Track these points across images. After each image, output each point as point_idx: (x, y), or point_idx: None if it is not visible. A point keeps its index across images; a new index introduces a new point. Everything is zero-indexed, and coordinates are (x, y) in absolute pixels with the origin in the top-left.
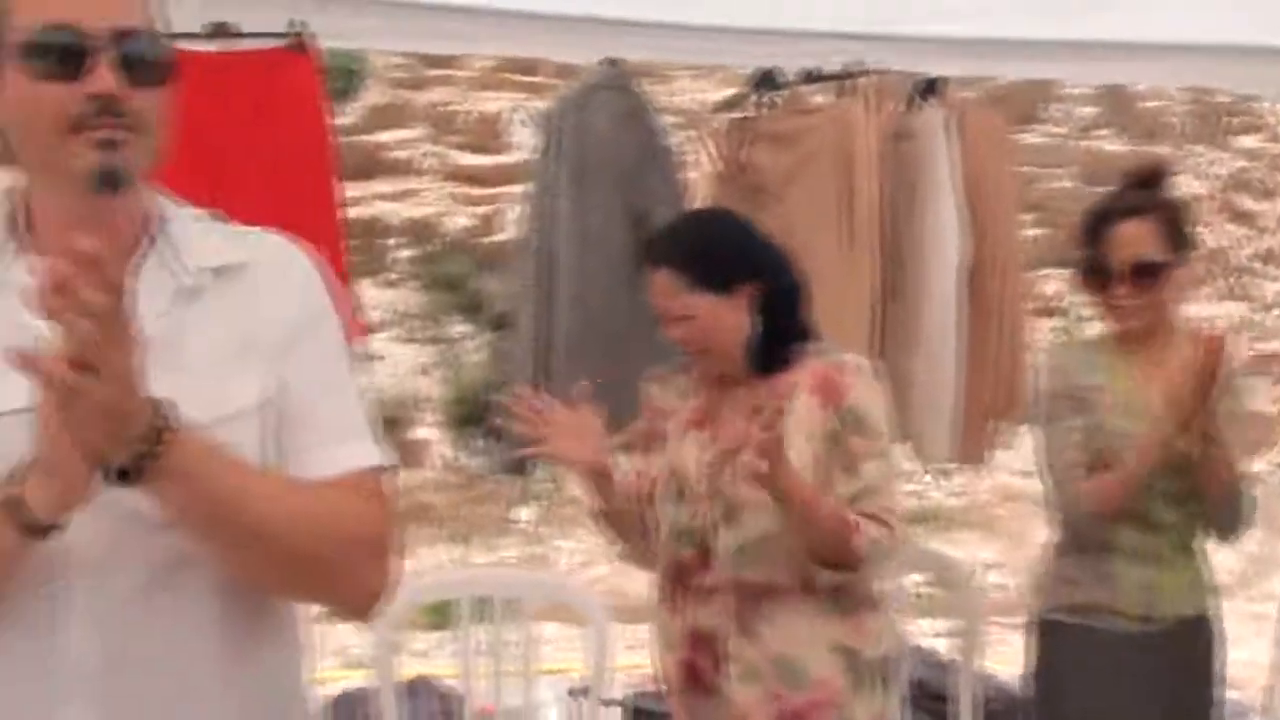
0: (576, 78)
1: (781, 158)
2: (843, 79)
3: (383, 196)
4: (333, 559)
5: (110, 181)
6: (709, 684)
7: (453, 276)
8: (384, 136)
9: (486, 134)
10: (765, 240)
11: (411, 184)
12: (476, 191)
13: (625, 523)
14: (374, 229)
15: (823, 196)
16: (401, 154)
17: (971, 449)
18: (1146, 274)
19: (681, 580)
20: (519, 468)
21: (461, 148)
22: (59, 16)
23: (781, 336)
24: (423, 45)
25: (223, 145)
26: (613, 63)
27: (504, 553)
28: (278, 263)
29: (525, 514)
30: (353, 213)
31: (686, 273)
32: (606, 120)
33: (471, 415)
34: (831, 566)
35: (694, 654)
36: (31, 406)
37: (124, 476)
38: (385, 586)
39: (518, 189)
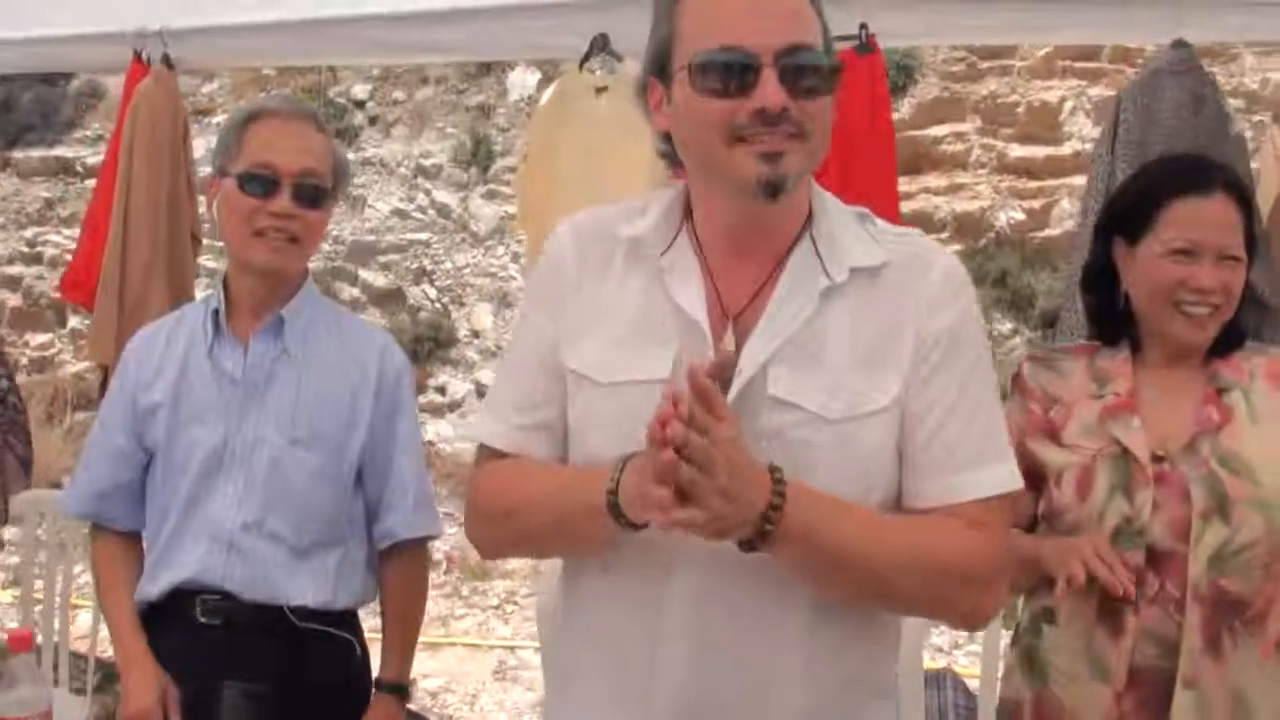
0: (1138, 62)
1: None
2: None
3: (931, 191)
4: (932, 593)
5: (770, 190)
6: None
7: (1001, 272)
8: (937, 130)
9: (1041, 125)
10: None
11: (961, 178)
12: (1028, 184)
13: None
14: (922, 224)
15: None
16: (953, 148)
17: None
18: None
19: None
20: None
21: (1014, 139)
22: (729, 39)
23: (1239, 318)
24: (977, 37)
25: None
26: (1181, 44)
27: None
28: (917, 267)
29: None
30: (903, 208)
31: (1243, 212)
32: (1171, 106)
33: None
34: None
35: (1129, 686)
36: (660, 380)
37: (748, 545)
38: (990, 610)
39: (1072, 181)
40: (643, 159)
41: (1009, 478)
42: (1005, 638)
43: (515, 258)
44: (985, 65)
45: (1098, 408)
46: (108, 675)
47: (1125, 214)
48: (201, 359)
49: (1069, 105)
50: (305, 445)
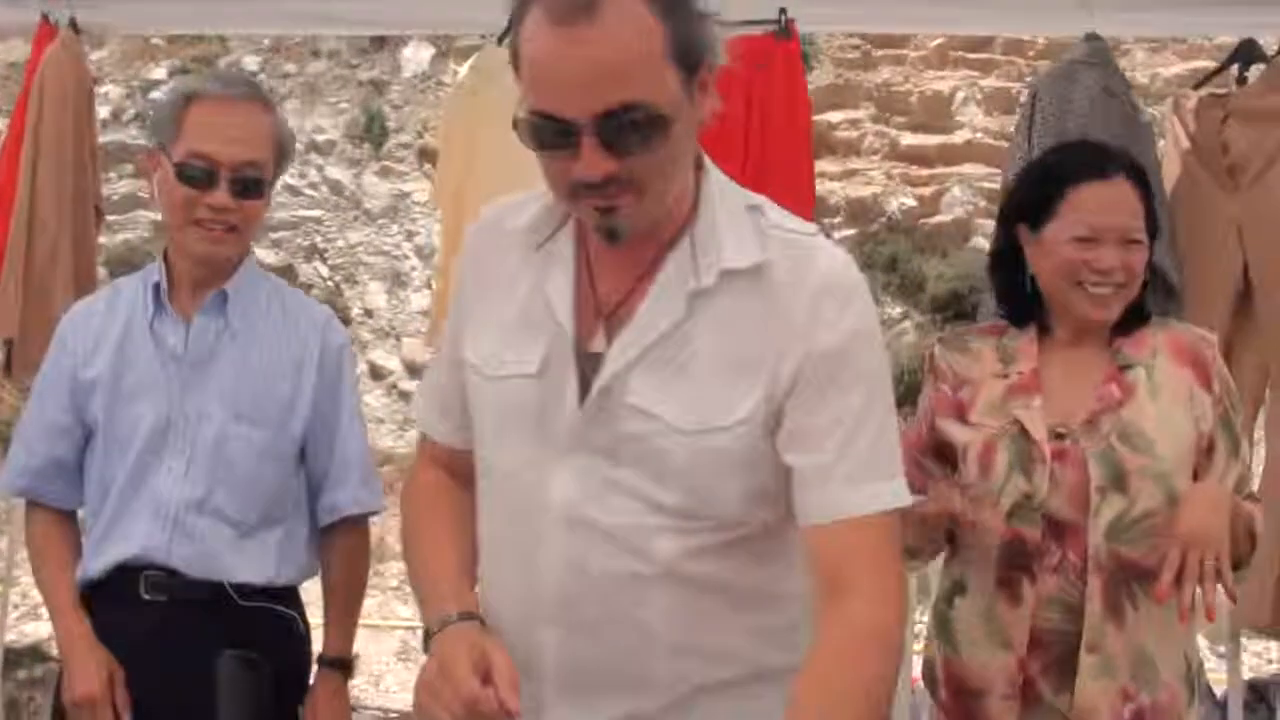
0: (1031, 54)
1: (1264, 134)
2: None
3: (826, 176)
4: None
5: (612, 238)
6: (1042, 687)
7: (891, 257)
8: (832, 116)
9: (933, 113)
10: None
11: (855, 164)
12: (920, 172)
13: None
14: (816, 209)
15: None
16: (847, 134)
17: None
18: None
19: (1024, 564)
20: None
21: (906, 128)
22: (546, 105)
23: (1144, 297)
24: (887, 26)
25: (715, 130)
26: (1094, 37)
27: None
28: (802, 272)
29: None
30: None
31: (1142, 194)
32: (1085, 97)
33: (907, 395)
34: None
35: (1034, 650)
36: (532, 375)
37: None
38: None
39: (963, 169)
40: None
41: (893, 496)
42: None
43: (409, 236)
44: (879, 53)
45: (1002, 387)
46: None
47: (1028, 200)
48: (142, 334)
49: (960, 95)
50: (250, 421)
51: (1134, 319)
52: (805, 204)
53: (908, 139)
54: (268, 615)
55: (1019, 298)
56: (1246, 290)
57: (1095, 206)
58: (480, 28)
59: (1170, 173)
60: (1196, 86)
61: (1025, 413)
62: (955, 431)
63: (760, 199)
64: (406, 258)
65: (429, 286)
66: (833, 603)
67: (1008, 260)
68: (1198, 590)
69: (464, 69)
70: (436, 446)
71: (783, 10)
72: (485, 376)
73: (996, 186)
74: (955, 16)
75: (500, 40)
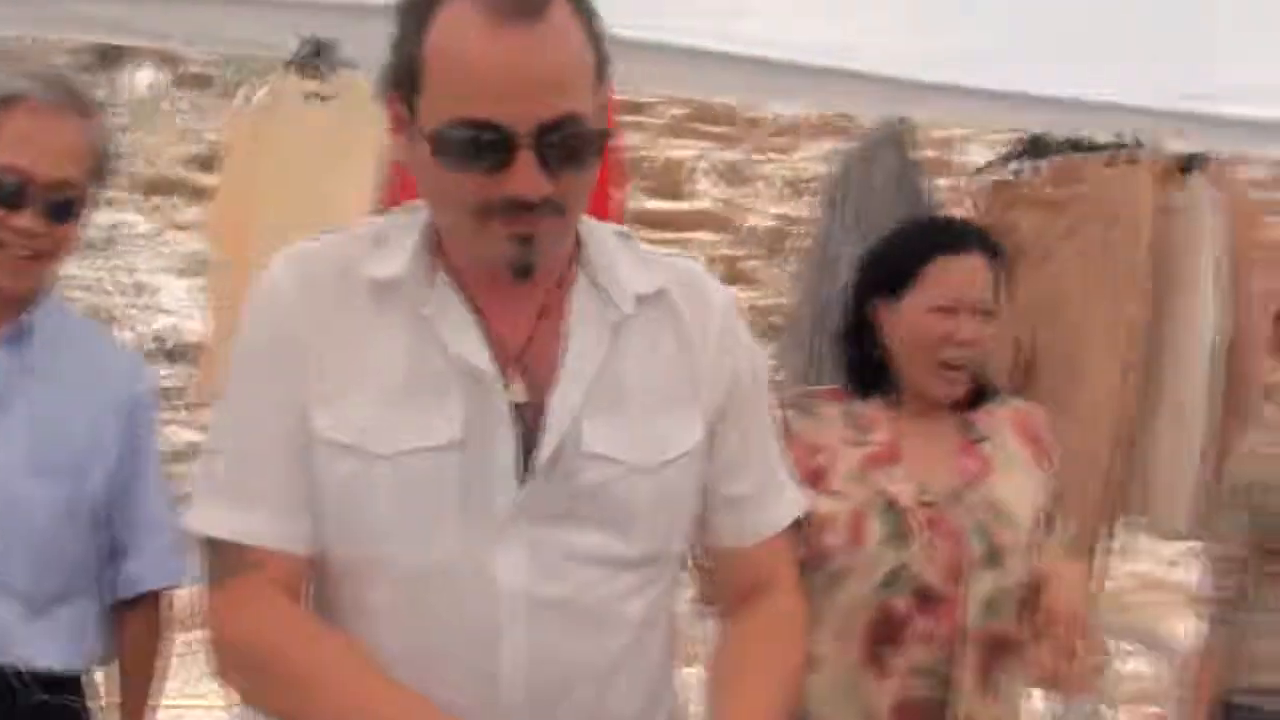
0: (764, 129)
1: (1047, 222)
2: (1114, 149)
3: None
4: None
5: (522, 272)
6: None
7: None
8: None
9: (670, 180)
10: None
11: None
12: (660, 235)
13: None
14: None
15: (1089, 263)
16: None
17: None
18: None
19: (893, 636)
20: None
21: (646, 192)
22: (480, 111)
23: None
24: (698, 92)
25: None
26: (902, 120)
27: None
28: (697, 294)
29: None
30: None
31: (995, 270)
32: (884, 176)
33: None
34: None
35: (903, 716)
36: (458, 441)
37: None
38: None
39: (698, 235)
40: (364, 178)
41: (799, 505)
42: None
43: (129, 271)
44: (626, 119)
45: (859, 455)
46: None
47: (887, 272)
48: None
49: (699, 164)
50: (48, 476)
51: (981, 394)
52: None
53: (648, 203)
54: (56, 710)
55: (868, 369)
56: (1026, 366)
57: (955, 278)
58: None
59: None
60: (978, 172)
61: (892, 484)
62: (816, 500)
63: (623, 227)
64: (108, 293)
65: (146, 327)
66: (755, 600)
67: (858, 333)
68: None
69: (259, 94)
70: (280, 562)
71: None
72: (373, 455)
73: (729, 253)
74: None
75: (290, 67)
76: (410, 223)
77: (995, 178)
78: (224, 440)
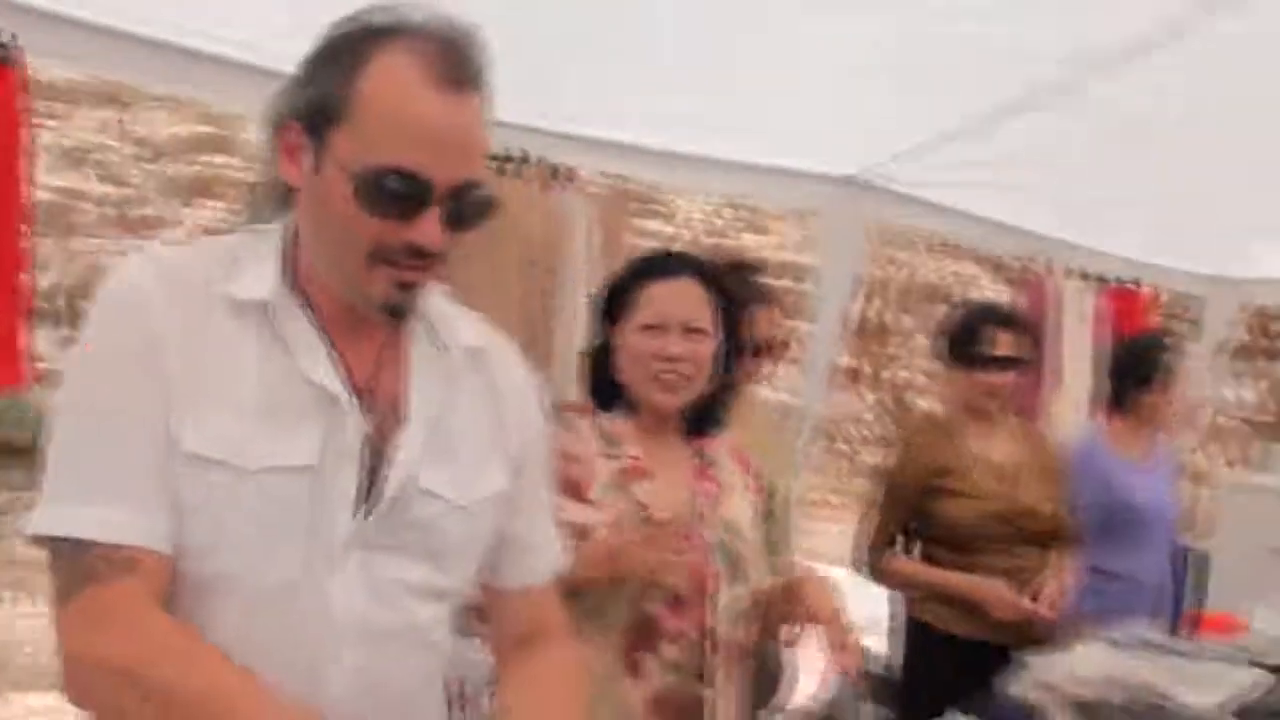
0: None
1: None
2: (503, 161)
3: None
4: None
5: (397, 315)
6: None
7: None
8: None
9: None
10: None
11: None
12: None
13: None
14: None
15: (493, 253)
16: None
17: None
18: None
19: (647, 640)
20: None
21: None
22: (409, 163)
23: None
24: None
25: None
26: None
27: None
28: (506, 357)
29: None
30: None
31: (710, 292)
32: None
33: None
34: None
35: (657, 711)
36: (312, 465)
37: None
38: None
39: None
40: None
41: (563, 557)
42: None
43: None
44: None
45: (613, 468)
46: None
47: (611, 299)
48: None
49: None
50: None
51: (709, 421)
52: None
53: None
54: None
55: (607, 388)
56: None
57: (662, 299)
58: None
59: None
60: None
61: (647, 497)
62: (574, 510)
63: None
64: None
65: None
66: (537, 645)
67: (600, 354)
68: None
69: None
70: (152, 563)
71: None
72: (231, 470)
73: None
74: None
75: None
76: (263, 246)
77: None
78: (83, 439)
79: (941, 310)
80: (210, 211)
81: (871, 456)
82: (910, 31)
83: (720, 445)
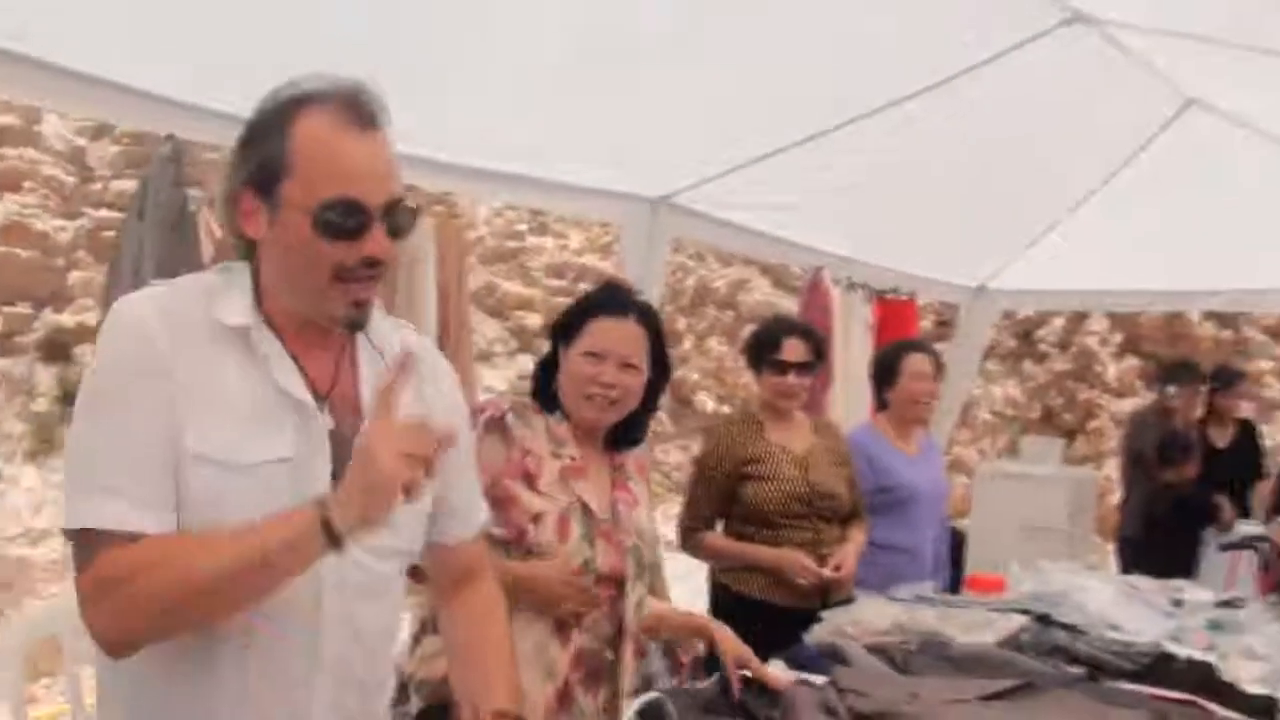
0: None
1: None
2: None
3: None
4: None
5: (354, 328)
6: (579, 705)
7: None
8: None
9: None
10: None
11: None
12: None
13: None
14: None
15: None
16: None
17: None
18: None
19: (572, 624)
20: None
21: None
22: (352, 192)
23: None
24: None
25: None
26: (170, 137)
27: None
28: (429, 353)
29: None
30: None
31: (648, 331)
32: (168, 187)
33: None
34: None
35: (574, 676)
36: (291, 457)
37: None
38: None
39: None
40: None
41: (485, 513)
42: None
43: None
44: None
45: (559, 466)
46: None
47: (565, 322)
48: None
49: None
50: None
51: (628, 440)
52: None
53: None
54: None
55: (549, 397)
56: None
57: (605, 333)
58: None
59: (210, 255)
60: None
61: (585, 494)
62: (526, 497)
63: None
64: None
65: None
66: (470, 585)
67: (548, 368)
68: None
69: None
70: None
71: None
72: (230, 467)
73: None
74: None
75: None
76: (236, 281)
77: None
78: (102, 446)
79: (727, 315)
80: (15, 205)
81: (662, 454)
82: (720, 80)
83: (630, 459)
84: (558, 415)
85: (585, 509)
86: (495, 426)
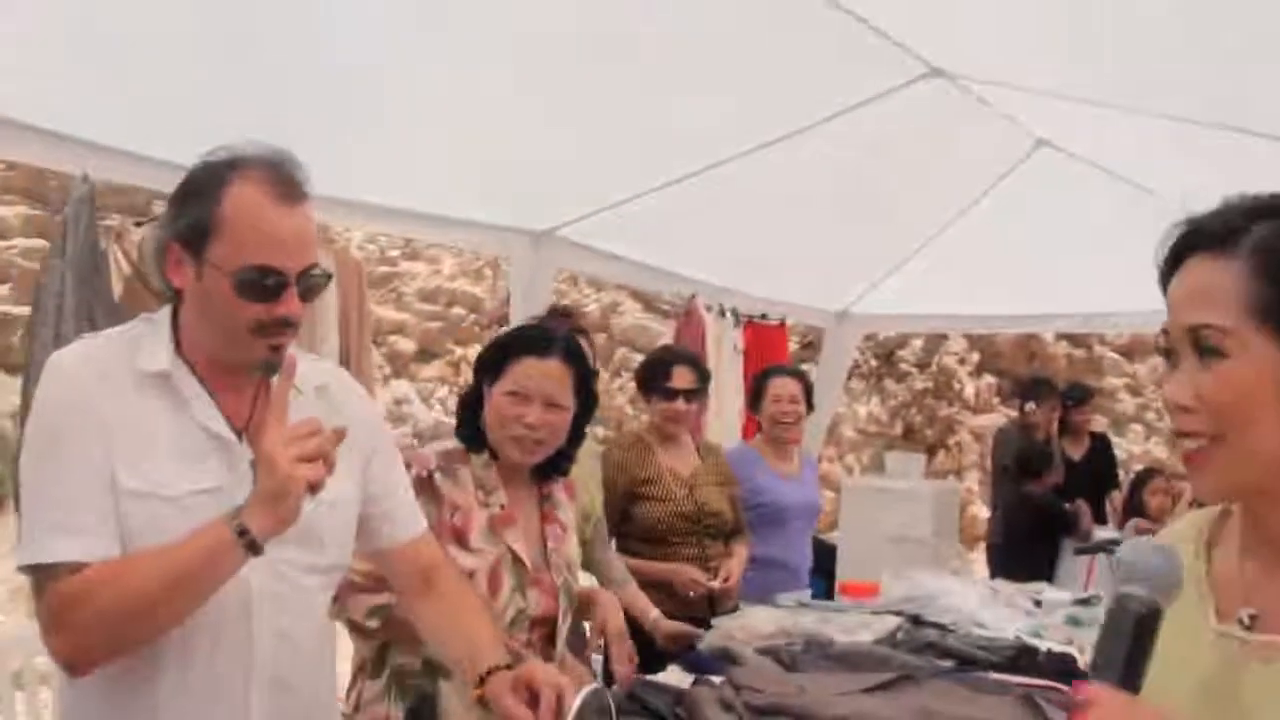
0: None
1: None
2: None
3: None
4: None
5: (270, 372)
6: None
7: None
8: None
9: None
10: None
11: None
12: None
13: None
14: None
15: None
16: None
17: None
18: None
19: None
20: None
21: None
22: (271, 260)
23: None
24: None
25: None
26: (86, 180)
27: None
28: (347, 386)
29: None
30: None
31: (572, 369)
32: (84, 229)
33: None
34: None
35: None
36: (221, 485)
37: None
38: None
39: None
40: None
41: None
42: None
43: None
44: None
45: (488, 516)
46: None
47: (489, 361)
48: None
49: None
50: None
51: (556, 470)
52: None
53: None
54: None
55: (475, 434)
56: None
57: (530, 374)
58: None
59: (120, 292)
60: (137, 224)
61: (515, 543)
62: (458, 555)
63: None
64: None
65: None
66: (434, 579)
67: (473, 405)
68: None
69: None
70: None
71: None
72: (162, 499)
73: None
74: None
75: None
76: (156, 331)
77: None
78: (45, 487)
79: (599, 338)
80: None
81: None
82: (601, 121)
83: (558, 485)
84: (485, 456)
85: (516, 559)
86: (424, 487)
